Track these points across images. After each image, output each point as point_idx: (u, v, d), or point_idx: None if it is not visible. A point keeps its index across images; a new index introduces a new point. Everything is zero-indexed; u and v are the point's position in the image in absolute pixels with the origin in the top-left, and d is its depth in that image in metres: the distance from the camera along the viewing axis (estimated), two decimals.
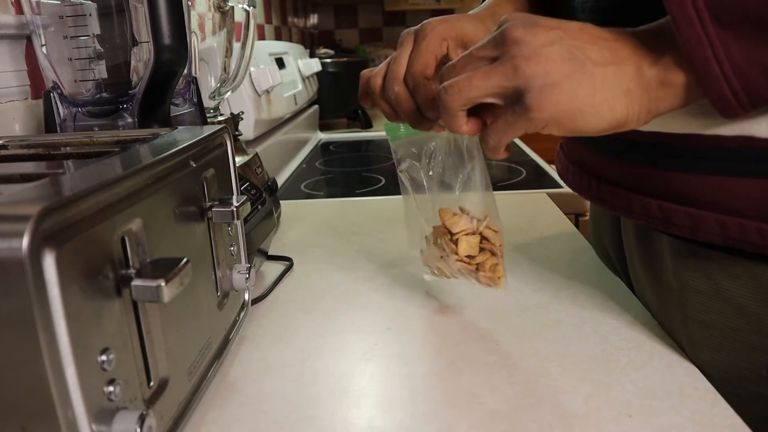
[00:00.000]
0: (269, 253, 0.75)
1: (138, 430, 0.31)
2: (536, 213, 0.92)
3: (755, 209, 0.43)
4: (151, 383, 0.36)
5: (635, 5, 0.45)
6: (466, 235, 0.52)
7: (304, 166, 1.45)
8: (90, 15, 0.59)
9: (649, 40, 0.40)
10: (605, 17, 0.48)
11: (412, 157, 0.55)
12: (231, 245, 0.52)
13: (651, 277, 0.55)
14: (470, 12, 0.58)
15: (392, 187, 1.16)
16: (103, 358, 0.30)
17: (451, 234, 0.52)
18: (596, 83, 0.38)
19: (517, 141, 1.69)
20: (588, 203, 1.02)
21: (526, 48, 0.39)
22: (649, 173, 0.48)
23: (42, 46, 0.59)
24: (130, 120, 0.58)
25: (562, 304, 0.60)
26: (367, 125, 1.96)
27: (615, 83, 0.39)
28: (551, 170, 1.27)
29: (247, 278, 0.51)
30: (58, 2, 0.59)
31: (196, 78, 0.67)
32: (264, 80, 1.19)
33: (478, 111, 0.43)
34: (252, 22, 0.79)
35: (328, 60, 1.90)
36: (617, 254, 0.66)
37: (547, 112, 0.38)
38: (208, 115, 0.75)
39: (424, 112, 0.50)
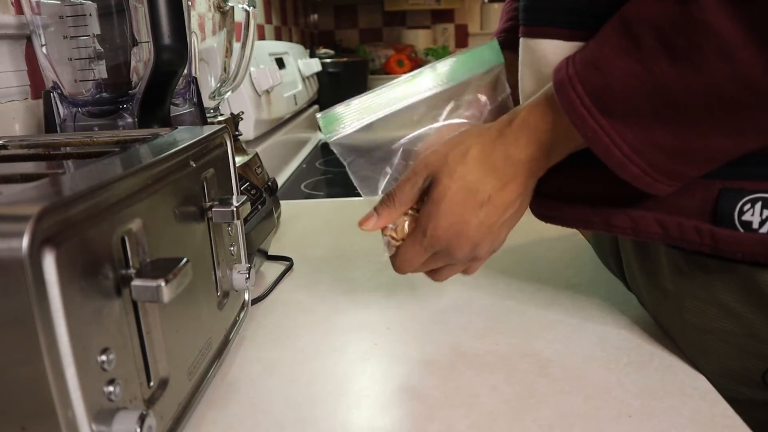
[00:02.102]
0: (269, 253, 0.75)
1: (138, 430, 0.31)
2: None
3: (695, 208, 0.44)
4: (151, 383, 0.36)
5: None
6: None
7: (304, 166, 1.45)
8: (90, 15, 0.59)
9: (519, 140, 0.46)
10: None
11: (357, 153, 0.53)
12: (231, 245, 0.52)
13: (647, 282, 0.55)
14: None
15: None
16: (103, 358, 0.30)
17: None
18: (520, 214, 0.50)
19: None
20: None
21: (455, 254, 0.49)
22: (586, 178, 0.48)
23: (42, 46, 0.59)
24: (130, 120, 0.58)
25: (562, 304, 0.60)
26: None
27: (529, 198, 0.50)
28: None
29: (247, 278, 0.51)
30: (58, 2, 0.59)
31: (196, 78, 0.67)
32: (264, 80, 1.19)
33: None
34: (252, 22, 0.79)
35: (328, 60, 1.90)
36: (615, 257, 0.66)
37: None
38: (208, 115, 0.75)
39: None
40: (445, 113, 0.53)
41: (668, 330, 0.53)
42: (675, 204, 0.45)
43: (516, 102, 0.54)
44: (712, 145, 0.39)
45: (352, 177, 0.54)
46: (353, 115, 0.52)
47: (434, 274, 0.54)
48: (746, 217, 0.43)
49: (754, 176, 0.42)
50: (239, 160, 0.78)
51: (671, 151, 0.40)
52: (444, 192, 0.47)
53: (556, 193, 0.50)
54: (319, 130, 0.53)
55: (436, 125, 0.52)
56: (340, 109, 0.52)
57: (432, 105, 0.53)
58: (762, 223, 0.42)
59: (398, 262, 0.52)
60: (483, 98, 0.53)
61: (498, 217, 0.48)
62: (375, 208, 0.51)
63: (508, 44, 0.64)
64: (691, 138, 0.39)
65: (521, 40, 0.53)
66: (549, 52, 0.48)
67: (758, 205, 0.42)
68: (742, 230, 0.43)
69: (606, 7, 0.43)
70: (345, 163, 0.53)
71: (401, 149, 0.53)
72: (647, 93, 0.38)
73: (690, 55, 0.36)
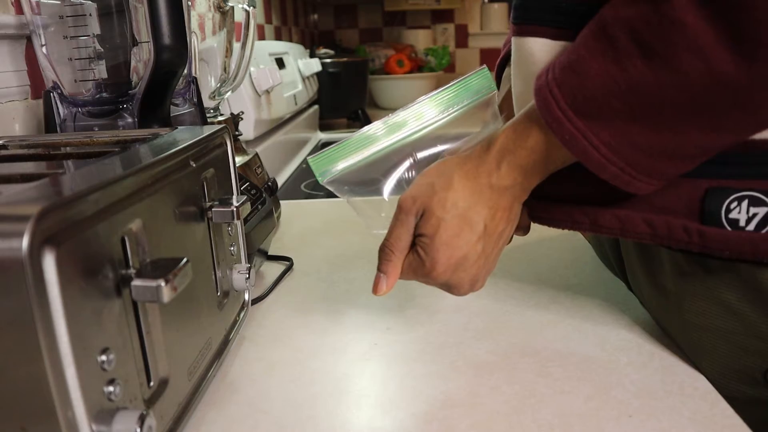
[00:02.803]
0: (269, 253, 0.75)
1: (138, 430, 0.31)
2: None
3: (683, 207, 0.45)
4: (151, 383, 0.36)
5: None
6: None
7: (304, 166, 1.45)
8: (90, 15, 0.59)
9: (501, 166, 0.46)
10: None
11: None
12: (231, 245, 0.52)
13: (649, 281, 0.55)
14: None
15: None
16: (103, 358, 0.30)
17: None
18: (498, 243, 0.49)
19: None
20: None
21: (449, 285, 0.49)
22: (573, 179, 0.48)
23: (42, 46, 0.59)
24: (130, 120, 0.58)
25: (562, 304, 0.60)
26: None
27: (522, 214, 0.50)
28: None
29: (247, 278, 0.51)
30: (58, 2, 0.59)
31: (196, 78, 0.67)
32: (264, 80, 1.19)
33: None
34: (252, 22, 0.79)
35: (328, 60, 1.90)
36: (616, 257, 0.66)
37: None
38: (208, 115, 0.75)
39: None
40: (430, 153, 0.53)
41: (668, 329, 0.53)
42: (662, 203, 0.45)
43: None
44: (690, 142, 0.40)
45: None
46: (342, 156, 0.53)
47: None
48: (733, 215, 0.43)
49: (740, 176, 0.43)
50: (239, 160, 0.78)
51: (649, 150, 0.40)
52: (439, 224, 0.46)
53: (544, 195, 0.50)
54: (312, 171, 0.53)
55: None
56: (329, 150, 0.53)
57: (419, 147, 0.53)
58: (749, 221, 0.43)
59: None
60: (474, 131, 0.53)
61: (493, 246, 0.48)
62: (379, 268, 0.50)
63: None
64: (668, 135, 0.39)
65: (512, 39, 0.53)
66: (536, 50, 0.49)
67: (745, 203, 0.43)
68: (729, 228, 0.43)
69: (591, 7, 0.43)
70: (344, 199, 0.54)
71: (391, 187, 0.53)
72: (622, 92, 0.39)
73: (664, 54, 0.37)
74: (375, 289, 0.50)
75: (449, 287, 0.49)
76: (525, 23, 0.50)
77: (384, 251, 0.49)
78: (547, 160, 0.45)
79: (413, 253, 0.48)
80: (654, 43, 0.37)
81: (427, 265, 0.47)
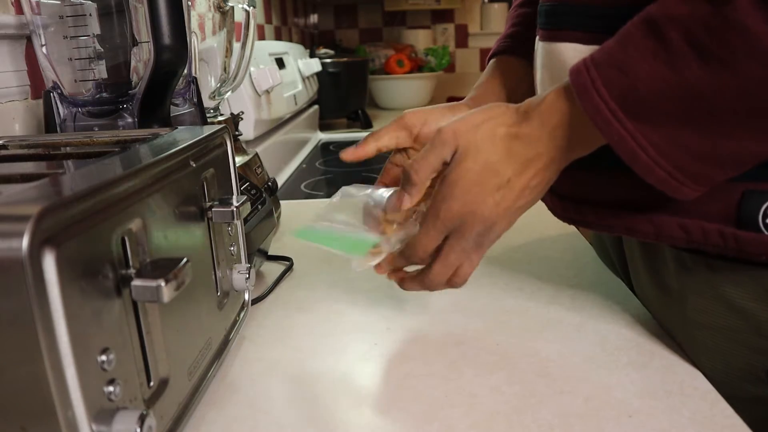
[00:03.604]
0: (269, 253, 0.75)
1: (138, 430, 0.31)
2: (536, 213, 0.92)
3: (717, 212, 0.44)
4: (151, 383, 0.36)
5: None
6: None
7: (304, 166, 1.45)
8: (90, 15, 0.59)
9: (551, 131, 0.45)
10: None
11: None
12: (231, 245, 0.52)
13: (652, 279, 0.55)
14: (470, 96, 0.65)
15: None
16: (103, 358, 0.30)
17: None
18: (533, 203, 0.48)
19: None
20: None
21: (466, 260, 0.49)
22: (609, 182, 0.49)
23: (42, 46, 0.59)
24: (130, 120, 0.58)
25: (562, 304, 0.60)
26: (367, 125, 1.96)
27: (545, 190, 0.48)
28: None
29: (247, 278, 0.51)
30: (58, 2, 0.59)
31: (196, 78, 0.67)
32: (264, 80, 1.19)
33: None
34: (252, 22, 0.79)
35: (328, 60, 1.90)
36: (618, 255, 0.66)
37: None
38: (208, 115, 0.75)
39: None
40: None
41: (670, 327, 0.53)
42: (697, 208, 0.45)
43: None
44: (741, 148, 0.39)
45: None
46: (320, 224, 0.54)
47: (463, 272, 0.51)
48: None
49: None
50: (239, 160, 0.78)
51: (699, 154, 0.39)
52: (464, 173, 0.46)
53: (580, 198, 0.50)
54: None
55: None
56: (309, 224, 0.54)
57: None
58: None
59: (409, 250, 0.50)
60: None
61: (513, 201, 0.47)
62: (403, 187, 0.49)
63: (511, 51, 0.64)
64: (720, 140, 0.38)
65: (539, 43, 0.54)
66: (567, 55, 0.49)
67: None
68: (766, 232, 0.43)
69: (619, 10, 0.43)
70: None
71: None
72: (676, 95, 0.38)
73: (723, 58, 0.36)
74: (399, 204, 0.50)
75: (462, 232, 0.47)
76: (555, 28, 0.51)
77: (411, 173, 0.48)
78: (593, 133, 0.43)
79: (431, 201, 0.48)
80: (712, 47, 0.36)
81: (444, 207, 0.47)
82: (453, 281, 0.51)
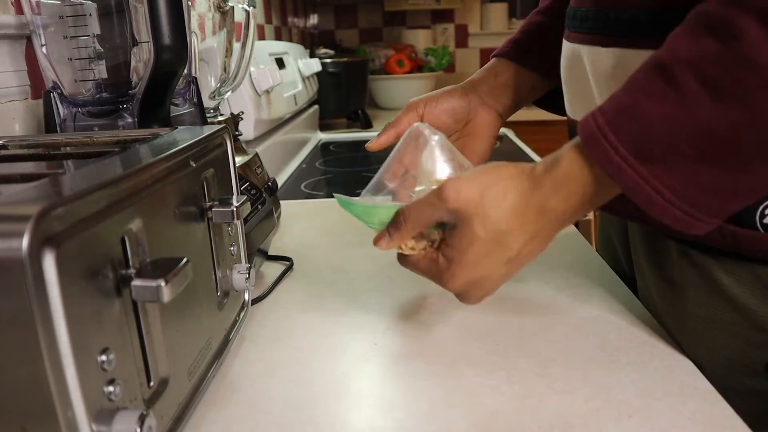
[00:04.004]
0: (269, 253, 0.75)
1: (138, 430, 0.31)
2: None
3: None
4: (151, 383, 0.36)
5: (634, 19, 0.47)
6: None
7: (304, 166, 1.45)
8: (90, 15, 0.59)
9: (558, 187, 0.43)
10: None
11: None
12: (231, 245, 0.52)
13: (654, 271, 0.55)
14: (473, 78, 0.67)
15: None
16: (103, 358, 0.30)
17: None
18: (523, 265, 0.47)
19: (518, 141, 1.69)
20: None
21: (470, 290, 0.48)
22: None
23: (42, 46, 0.59)
24: (130, 120, 0.58)
25: (562, 304, 0.60)
26: (367, 125, 1.96)
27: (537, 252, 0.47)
28: None
29: (247, 278, 0.51)
30: (58, 2, 0.59)
31: (196, 78, 0.67)
32: (264, 80, 1.19)
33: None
34: (252, 22, 0.79)
35: (328, 60, 1.90)
36: (624, 248, 0.67)
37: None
38: (208, 115, 0.75)
39: None
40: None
41: (670, 320, 0.53)
42: None
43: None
44: (757, 179, 0.39)
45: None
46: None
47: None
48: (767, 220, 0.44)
49: None
50: (239, 160, 0.78)
51: (715, 190, 0.39)
52: (473, 241, 0.44)
53: None
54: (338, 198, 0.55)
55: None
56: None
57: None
58: None
59: (409, 267, 0.50)
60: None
61: (520, 268, 0.47)
62: (387, 229, 0.49)
63: (510, 56, 0.66)
64: (736, 175, 0.38)
65: (564, 42, 0.56)
66: (588, 58, 0.51)
67: None
68: (762, 231, 0.44)
69: (634, 15, 0.44)
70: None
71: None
72: (690, 135, 0.37)
73: (736, 94, 0.36)
74: (375, 240, 0.50)
75: (459, 295, 0.49)
76: (577, 31, 0.52)
77: (400, 219, 0.48)
78: (610, 189, 0.43)
79: (435, 254, 0.47)
80: (725, 83, 0.36)
81: (446, 276, 0.46)
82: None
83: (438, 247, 0.47)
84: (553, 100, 0.69)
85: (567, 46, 0.55)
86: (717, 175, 0.38)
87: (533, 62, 0.65)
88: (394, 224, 0.48)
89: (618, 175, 0.40)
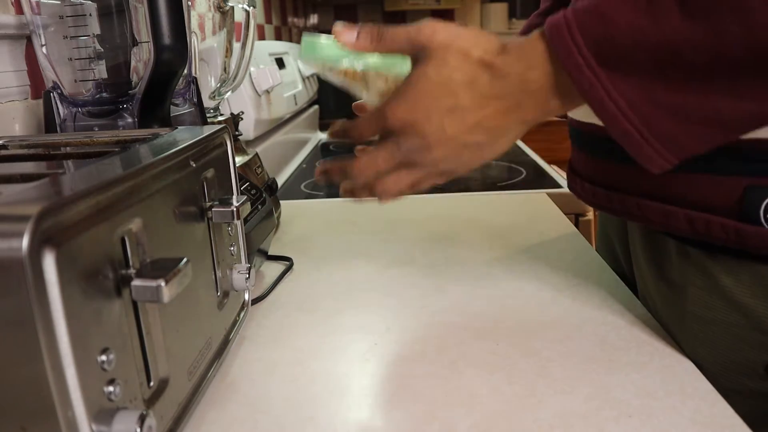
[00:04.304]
0: (269, 253, 0.75)
1: (138, 430, 0.31)
2: (536, 213, 0.92)
3: (722, 205, 0.45)
4: (151, 383, 0.36)
5: None
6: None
7: (304, 166, 1.45)
8: (90, 15, 0.59)
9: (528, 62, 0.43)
10: None
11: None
12: (231, 245, 0.52)
13: (653, 271, 0.55)
14: None
15: None
16: (103, 358, 0.30)
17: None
18: (487, 151, 0.46)
19: (518, 141, 1.69)
20: None
21: (425, 158, 0.46)
22: (628, 171, 0.50)
23: (42, 46, 0.59)
24: (130, 120, 0.58)
25: (562, 304, 0.60)
26: None
27: (503, 141, 0.46)
28: (551, 170, 1.27)
29: (247, 278, 0.51)
30: (58, 2, 0.59)
31: (196, 78, 0.67)
32: (264, 80, 1.19)
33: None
34: (252, 22, 0.79)
35: None
36: (623, 248, 0.67)
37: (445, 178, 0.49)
38: (208, 115, 0.75)
39: None
40: None
41: (670, 321, 0.53)
42: (704, 201, 0.46)
43: None
44: (709, 106, 0.39)
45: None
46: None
47: (386, 182, 0.50)
48: None
49: None
50: (239, 160, 0.78)
51: (669, 111, 0.39)
52: (422, 78, 0.44)
53: (610, 185, 0.52)
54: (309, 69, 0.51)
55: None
56: (323, 40, 0.50)
57: None
58: None
59: (350, 129, 0.49)
60: None
61: (460, 132, 0.45)
62: (360, 29, 0.47)
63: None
64: (689, 96, 0.38)
65: None
66: None
67: None
68: (767, 226, 0.43)
69: None
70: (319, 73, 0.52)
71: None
72: (653, 48, 0.37)
73: (704, 11, 0.36)
74: (339, 31, 0.48)
75: (398, 141, 0.46)
76: None
77: (383, 30, 0.46)
78: (559, 89, 0.43)
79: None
80: (698, 1, 0.36)
81: (386, 108, 0.45)
82: (374, 188, 0.50)
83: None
84: None
85: None
86: (672, 93, 0.38)
87: None
88: (368, 31, 0.47)
89: (576, 73, 0.40)
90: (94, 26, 0.59)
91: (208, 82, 0.84)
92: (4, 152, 0.47)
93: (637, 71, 0.39)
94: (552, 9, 0.66)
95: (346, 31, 0.48)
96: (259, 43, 1.36)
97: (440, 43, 0.44)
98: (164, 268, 0.33)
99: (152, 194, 0.37)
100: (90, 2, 0.59)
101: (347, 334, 0.56)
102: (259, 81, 1.18)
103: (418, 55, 0.45)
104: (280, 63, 1.45)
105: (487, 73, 0.44)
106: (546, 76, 0.43)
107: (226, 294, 0.50)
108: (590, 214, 1.10)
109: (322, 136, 1.87)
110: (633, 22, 0.38)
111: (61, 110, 0.59)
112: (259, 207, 0.71)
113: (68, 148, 0.48)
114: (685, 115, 0.39)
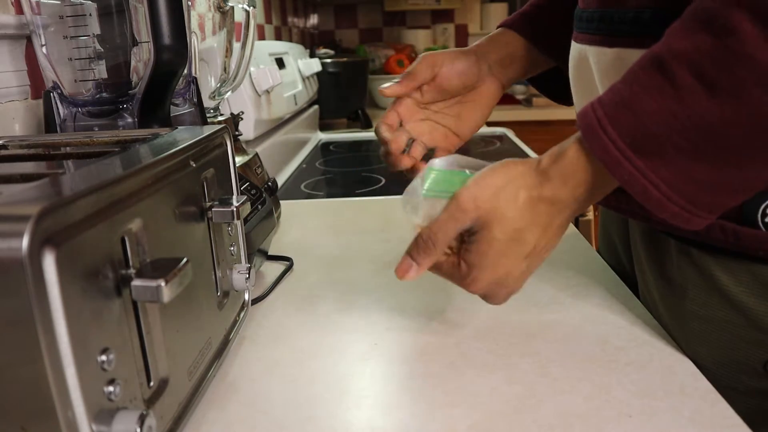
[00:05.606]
0: (269, 253, 0.75)
1: (138, 430, 0.31)
2: None
3: None
4: (151, 383, 0.36)
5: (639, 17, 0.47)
6: None
7: (304, 166, 1.45)
8: (90, 15, 0.59)
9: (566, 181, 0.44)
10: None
11: None
12: (231, 245, 0.52)
13: (655, 271, 0.56)
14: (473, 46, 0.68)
15: (392, 187, 1.16)
16: (103, 358, 0.30)
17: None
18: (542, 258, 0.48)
19: (518, 141, 1.69)
20: None
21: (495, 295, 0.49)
22: None
23: (42, 46, 0.59)
24: (130, 120, 0.58)
25: (562, 304, 0.60)
26: (367, 125, 1.96)
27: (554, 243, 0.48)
28: None
29: (247, 278, 0.51)
30: (58, 2, 0.59)
31: (196, 78, 0.67)
32: (264, 80, 1.19)
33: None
34: (252, 22, 0.79)
35: (328, 60, 1.90)
36: (624, 247, 0.67)
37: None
38: (208, 115, 0.75)
39: None
40: None
41: (670, 320, 0.53)
42: None
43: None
44: (753, 175, 0.39)
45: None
46: None
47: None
48: None
49: None
50: (239, 160, 0.78)
51: (710, 185, 0.39)
52: (492, 243, 0.45)
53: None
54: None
55: None
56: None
57: None
58: None
59: (432, 270, 0.49)
60: None
61: (538, 263, 0.48)
62: (412, 256, 0.47)
63: (516, 27, 0.67)
64: (732, 170, 0.39)
65: (572, 43, 0.56)
66: (594, 59, 0.51)
67: None
68: (764, 230, 0.44)
69: (637, 14, 0.45)
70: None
71: None
72: (685, 129, 0.38)
73: (731, 89, 0.36)
74: (401, 273, 0.48)
75: (484, 297, 0.49)
76: (583, 32, 0.53)
77: (425, 242, 0.47)
78: (606, 185, 0.44)
79: (455, 258, 0.47)
80: (720, 78, 0.36)
81: (468, 281, 0.47)
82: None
83: (458, 251, 0.47)
84: (546, 82, 0.70)
85: (575, 48, 0.56)
86: (712, 170, 0.39)
87: (539, 38, 0.65)
88: (422, 251, 0.47)
89: (616, 168, 0.40)
90: (94, 26, 0.59)
91: (208, 82, 0.84)
92: (4, 152, 0.47)
93: (674, 155, 0.39)
94: (533, 12, 0.66)
95: (408, 270, 0.48)
96: (259, 43, 1.36)
97: (488, 207, 0.45)
98: (164, 268, 0.33)
99: (152, 194, 0.37)
100: (90, 2, 0.59)
101: (347, 334, 0.56)
102: (259, 81, 1.18)
103: (474, 228, 0.46)
104: (280, 63, 1.45)
105: (541, 205, 0.45)
106: (591, 183, 0.44)
107: (226, 294, 0.50)
108: (590, 214, 1.10)
109: (322, 136, 1.87)
110: (662, 108, 0.38)
111: (61, 110, 0.59)
112: (259, 207, 0.71)
113: (68, 148, 0.48)
114: (729, 187, 0.40)
